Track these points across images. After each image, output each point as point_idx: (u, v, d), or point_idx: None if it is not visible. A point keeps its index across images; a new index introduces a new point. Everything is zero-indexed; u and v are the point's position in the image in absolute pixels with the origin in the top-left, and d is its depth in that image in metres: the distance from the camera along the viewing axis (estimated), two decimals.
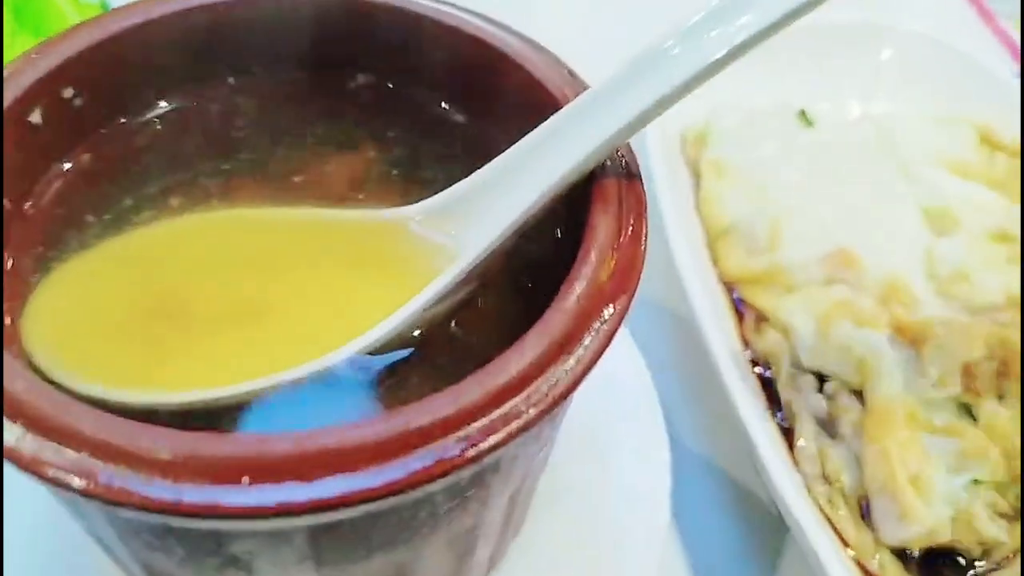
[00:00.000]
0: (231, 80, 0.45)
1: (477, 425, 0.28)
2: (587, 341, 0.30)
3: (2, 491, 0.46)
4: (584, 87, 0.40)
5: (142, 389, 0.33)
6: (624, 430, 0.54)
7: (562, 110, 0.37)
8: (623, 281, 0.32)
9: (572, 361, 0.30)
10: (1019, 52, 0.90)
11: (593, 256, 0.33)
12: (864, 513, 0.52)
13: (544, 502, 0.50)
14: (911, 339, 0.57)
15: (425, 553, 0.35)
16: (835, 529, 0.51)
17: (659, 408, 0.54)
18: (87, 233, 0.39)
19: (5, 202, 0.36)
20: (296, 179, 0.43)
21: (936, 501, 0.50)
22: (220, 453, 0.26)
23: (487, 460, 0.28)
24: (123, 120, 0.42)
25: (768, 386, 0.58)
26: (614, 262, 0.33)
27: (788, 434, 0.55)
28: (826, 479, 0.53)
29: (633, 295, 0.32)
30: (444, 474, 0.27)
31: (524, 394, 0.29)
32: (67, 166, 0.40)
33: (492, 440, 0.28)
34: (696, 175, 0.70)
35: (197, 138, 0.43)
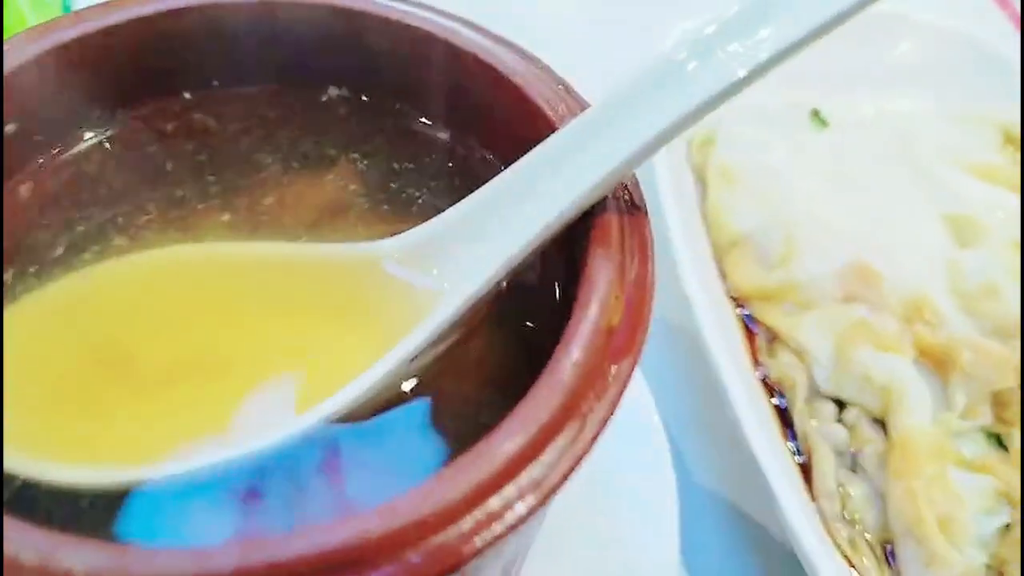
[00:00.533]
0: (187, 95, 0.40)
1: (454, 531, 0.23)
2: (590, 415, 0.26)
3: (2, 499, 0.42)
4: (583, 105, 0.35)
5: (75, 464, 0.29)
6: (627, 465, 0.50)
7: (559, 132, 0.33)
8: (628, 337, 0.28)
9: (571, 439, 0.25)
10: None
11: (592, 311, 0.28)
12: (888, 557, 0.48)
13: (544, 549, 0.46)
14: (936, 363, 0.53)
15: None
16: (857, 573, 0.47)
17: (664, 439, 0.50)
18: (26, 273, 0.35)
19: None
20: (261, 205, 0.39)
21: (967, 545, 0.46)
22: (151, 573, 0.21)
23: (467, 566, 0.24)
24: (66, 143, 0.38)
25: (782, 412, 0.54)
26: (618, 314, 0.28)
27: (804, 468, 0.51)
28: (847, 518, 0.49)
29: (638, 356, 0.28)
30: None
31: (513, 483, 0.24)
32: (8, 194, 0.35)
33: (475, 544, 0.23)
34: (702, 181, 0.65)
35: (149, 162, 0.39)
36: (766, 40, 0.30)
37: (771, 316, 0.57)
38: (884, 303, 0.56)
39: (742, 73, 0.30)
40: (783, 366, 0.55)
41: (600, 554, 0.47)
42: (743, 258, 0.61)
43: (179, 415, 0.32)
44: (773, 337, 0.57)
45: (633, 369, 0.28)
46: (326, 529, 0.23)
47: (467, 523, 0.23)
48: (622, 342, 0.28)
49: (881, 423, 0.52)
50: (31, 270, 0.35)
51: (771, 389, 0.55)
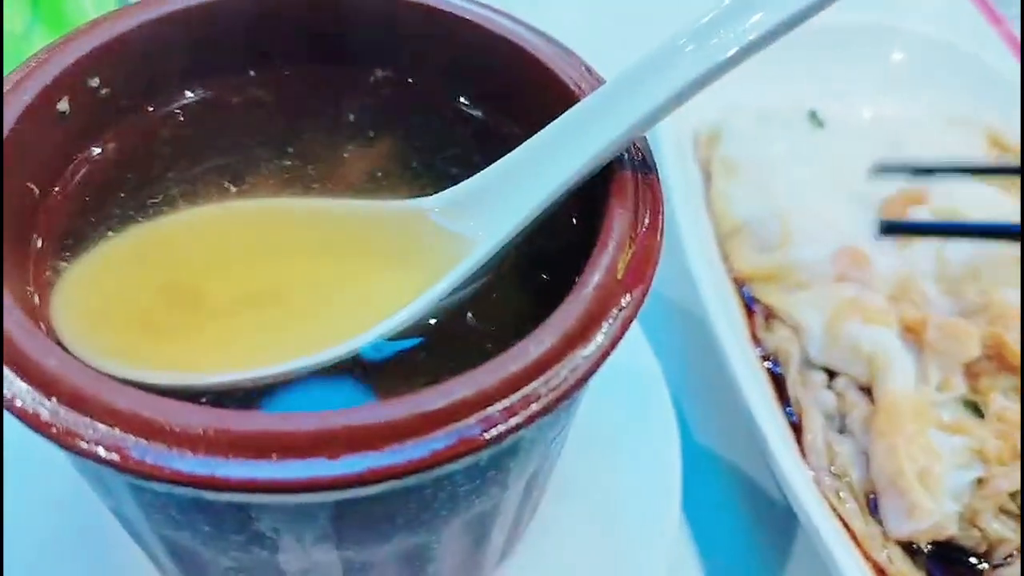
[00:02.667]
0: (252, 73, 0.45)
1: (498, 407, 0.28)
2: (605, 329, 0.31)
3: (1, 486, 0.46)
4: (600, 81, 0.40)
5: (163, 371, 0.34)
6: (636, 425, 0.55)
7: (579, 104, 0.38)
8: (639, 272, 0.33)
9: (591, 348, 0.30)
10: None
11: (610, 248, 0.33)
12: (872, 507, 0.52)
13: (556, 495, 0.50)
14: (919, 338, 0.58)
15: (443, 536, 0.36)
16: (844, 522, 0.51)
17: (670, 403, 0.55)
18: (112, 219, 0.40)
19: (33, 187, 0.37)
20: (315, 170, 0.44)
21: (943, 497, 0.50)
22: (250, 429, 0.26)
23: (506, 442, 0.28)
24: (146, 111, 0.43)
25: (778, 381, 0.59)
26: (631, 253, 0.33)
27: (797, 430, 0.56)
28: (834, 473, 0.53)
29: (650, 285, 0.33)
30: (465, 454, 0.27)
31: (543, 379, 0.29)
32: (93, 154, 0.41)
33: (512, 422, 0.28)
34: (707, 174, 0.71)
35: (218, 129, 0.44)
36: (751, 27, 0.35)
37: (769, 295, 0.62)
38: (874, 284, 0.61)
39: (730, 54, 0.35)
40: (779, 340, 0.60)
41: (608, 499, 0.52)
42: (743, 243, 0.65)
43: (251, 336, 0.37)
44: (770, 314, 0.62)
45: (645, 297, 0.33)
46: (393, 403, 0.28)
47: (512, 400, 0.28)
48: (635, 273, 0.33)
49: (867, 391, 0.57)
50: (117, 216, 0.40)
51: (768, 360, 0.60)
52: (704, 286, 0.60)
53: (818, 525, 0.47)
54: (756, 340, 0.61)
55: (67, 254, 0.38)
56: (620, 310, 0.31)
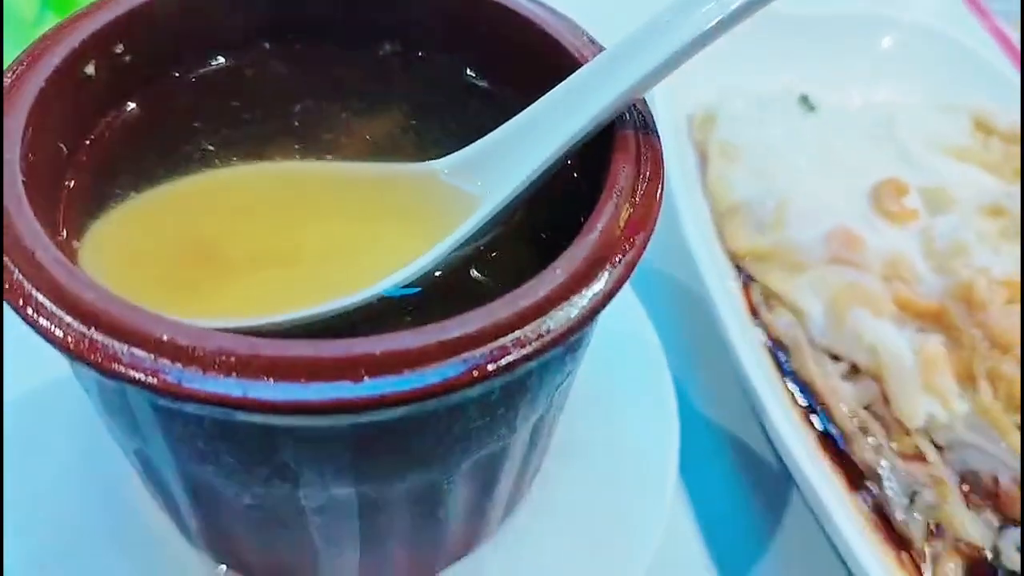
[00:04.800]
0: (266, 45, 0.47)
1: (510, 338, 0.30)
2: (610, 269, 0.33)
3: (1, 482, 0.47)
4: (601, 49, 0.42)
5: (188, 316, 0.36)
6: (635, 391, 0.57)
7: (582, 68, 0.40)
8: (643, 218, 0.35)
9: (597, 287, 0.32)
10: (1011, 46, 0.93)
11: (615, 196, 0.35)
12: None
13: (558, 454, 0.52)
14: (914, 315, 0.60)
15: (455, 476, 0.38)
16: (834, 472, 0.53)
17: (667, 369, 0.56)
18: (135, 179, 0.41)
19: (62, 146, 0.39)
20: (327, 137, 0.46)
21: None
22: (281, 355, 0.28)
23: (518, 371, 0.30)
24: (165, 78, 0.45)
25: (775, 355, 0.61)
26: (635, 200, 0.35)
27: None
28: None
29: (652, 231, 0.35)
30: (479, 380, 0.29)
31: (552, 313, 0.31)
32: (117, 116, 0.42)
33: (523, 352, 0.30)
34: (703, 156, 0.73)
35: (235, 97, 0.46)
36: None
37: (766, 276, 0.64)
38: (867, 264, 0.63)
39: (713, 24, 0.36)
40: (783, 325, 0.62)
41: (608, 461, 0.54)
42: (739, 223, 0.68)
43: (269, 288, 0.38)
44: (769, 295, 0.64)
45: (647, 241, 0.34)
46: (412, 332, 0.29)
47: (520, 334, 0.30)
48: (639, 219, 0.35)
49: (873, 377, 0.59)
50: (139, 177, 0.42)
51: (770, 340, 0.62)
52: (702, 261, 0.62)
53: (810, 477, 0.49)
54: (753, 313, 0.63)
55: (93, 212, 0.40)
56: (624, 253, 0.33)
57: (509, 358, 0.30)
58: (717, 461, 0.59)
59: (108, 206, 0.40)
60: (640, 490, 0.53)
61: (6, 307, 0.31)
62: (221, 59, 0.46)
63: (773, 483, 0.58)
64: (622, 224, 0.34)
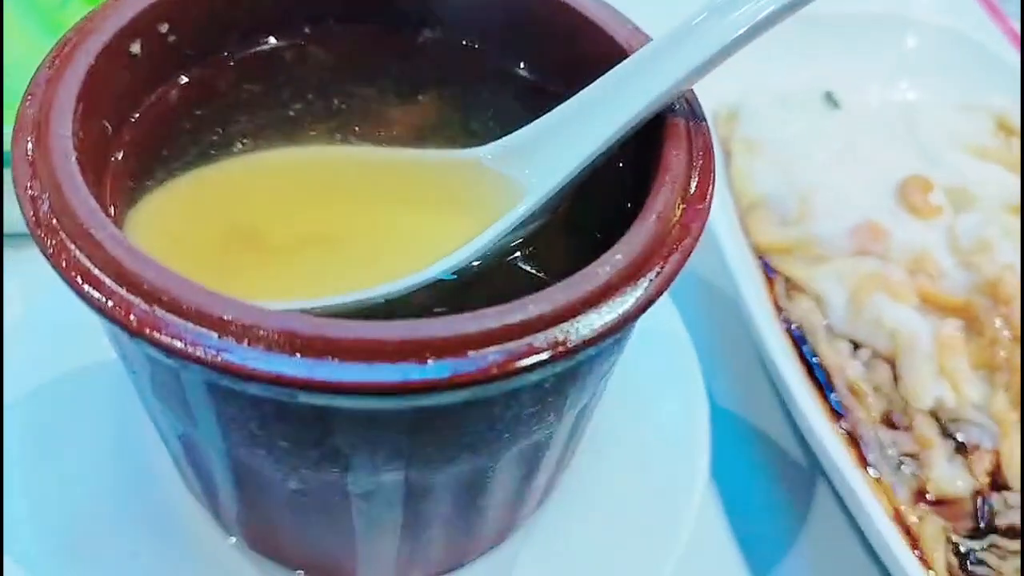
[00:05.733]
0: (307, 30, 0.47)
1: (572, 323, 0.30)
2: (670, 255, 0.33)
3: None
4: (648, 38, 0.42)
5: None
6: (665, 386, 0.56)
7: (631, 57, 0.39)
8: (697, 208, 0.35)
9: (657, 271, 0.32)
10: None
11: (669, 186, 0.35)
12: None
13: (587, 447, 0.52)
14: (937, 309, 0.60)
15: (500, 462, 0.37)
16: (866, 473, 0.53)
17: (698, 365, 0.56)
18: (177, 160, 0.41)
19: (107, 125, 0.38)
20: (368, 123, 0.45)
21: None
22: (345, 336, 0.28)
23: (578, 357, 0.30)
24: (207, 60, 0.44)
25: (800, 347, 0.60)
26: (689, 188, 0.35)
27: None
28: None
29: (706, 220, 0.35)
30: (543, 364, 0.29)
31: (612, 300, 0.31)
32: (159, 97, 0.42)
33: (584, 336, 0.30)
34: (727, 152, 0.72)
35: (277, 80, 0.45)
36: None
37: (790, 267, 0.64)
38: (892, 257, 0.63)
39: (770, 11, 0.36)
40: (803, 310, 0.62)
41: (639, 455, 0.53)
42: (763, 217, 0.67)
43: (311, 273, 0.38)
44: (791, 285, 0.64)
45: (702, 230, 0.34)
46: (477, 315, 0.29)
47: (582, 318, 0.30)
48: (694, 207, 0.34)
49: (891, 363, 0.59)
50: (181, 158, 0.41)
51: (790, 327, 0.62)
52: (730, 256, 0.61)
53: (845, 475, 0.49)
54: (778, 308, 0.63)
55: (135, 192, 0.40)
56: (682, 239, 0.33)
57: (572, 343, 0.29)
58: (744, 455, 0.59)
59: (149, 187, 0.40)
60: (671, 484, 0.52)
61: (53, 287, 0.30)
62: (263, 42, 0.46)
63: (802, 478, 0.58)
64: (678, 212, 0.34)
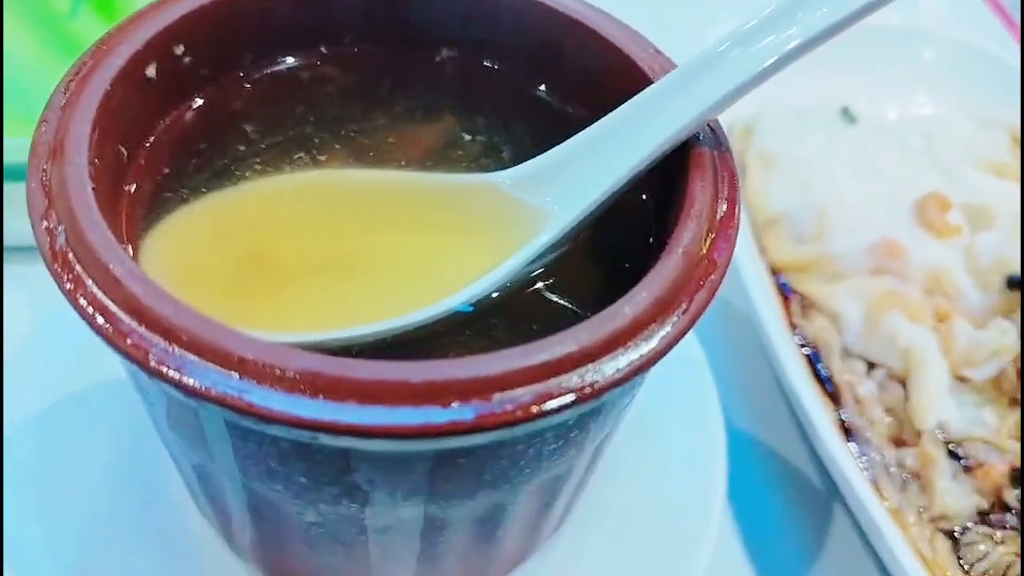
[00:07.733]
0: (323, 50, 0.46)
1: (599, 364, 0.29)
2: (696, 292, 0.32)
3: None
4: (670, 63, 0.42)
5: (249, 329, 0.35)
6: (681, 409, 0.56)
7: (655, 83, 0.39)
8: (724, 241, 0.34)
9: (684, 308, 0.31)
10: None
11: (695, 219, 0.34)
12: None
13: (606, 471, 0.51)
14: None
15: (519, 497, 0.37)
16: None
17: (714, 386, 0.56)
18: (192, 184, 0.41)
19: (122, 150, 0.38)
20: (385, 145, 0.45)
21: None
22: (367, 377, 0.27)
23: (604, 397, 0.29)
24: (221, 81, 0.44)
25: (814, 367, 0.60)
26: (715, 220, 0.34)
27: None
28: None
29: (732, 253, 0.34)
30: (570, 406, 0.28)
31: (639, 338, 0.30)
32: (173, 121, 0.41)
33: (611, 378, 0.29)
34: (742, 168, 0.72)
35: (293, 101, 0.45)
36: (821, 16, 0.36)
37: (806, 285, 0.64)
38: (909, 275, 0.62)
39: (809, 36, 0.36)
40: (817, 328, 0.61)
41: (655, 479, 0.53)
42: (780, 234, 0.67)
43: (326, 301, 0.37)
44: (807, 303, 0.63)
45: (728, 263, 0.34)
46: (497, 356, 0.28)
47: (609, 358, 0.29)
48: (720, 242, 0.34)
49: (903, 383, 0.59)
50: (196, 181, 0.41)
51: (805, 346, 0.61)
52: (748, 275, 0.61)
53: (863, 500, 0.49)
54: (792, 327, 0.62)
55: (149, 219, 0.39)
56: (708, 275, 0.33)
57: (599, 385, 0.29)
58: (761, 478, 0.58)
59: (164, 213, 0.39)
60: (687, 508, 0.52)
61: (58, 302, 0.30)
62: (279, 61, 0.45)
63: (818, 499, 0.57)
64: (705, 246, 0.34)
